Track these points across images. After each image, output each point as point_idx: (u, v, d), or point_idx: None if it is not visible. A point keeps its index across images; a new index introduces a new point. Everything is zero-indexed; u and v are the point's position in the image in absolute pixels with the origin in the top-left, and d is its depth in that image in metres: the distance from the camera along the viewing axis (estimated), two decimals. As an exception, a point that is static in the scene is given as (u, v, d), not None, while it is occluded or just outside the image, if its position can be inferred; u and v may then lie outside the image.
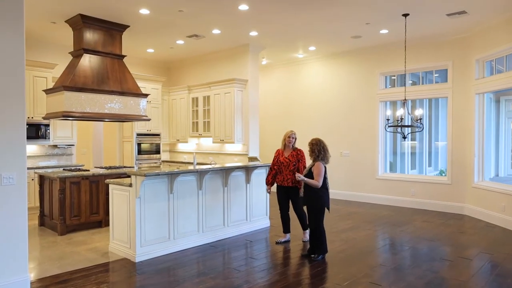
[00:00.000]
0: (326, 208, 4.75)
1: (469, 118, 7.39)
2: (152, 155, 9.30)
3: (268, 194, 6.19)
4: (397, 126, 6.27)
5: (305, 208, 4.93)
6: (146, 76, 9.09)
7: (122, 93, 6.72)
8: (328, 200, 4.77)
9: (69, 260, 4.66)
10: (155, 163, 9.37)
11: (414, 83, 8.89)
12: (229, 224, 5.85)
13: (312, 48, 8.73)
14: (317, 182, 4.61)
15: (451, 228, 6.36)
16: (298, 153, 5.43)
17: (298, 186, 5.31)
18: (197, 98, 9.36)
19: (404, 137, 6.43)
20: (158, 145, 9.42)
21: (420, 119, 6.22)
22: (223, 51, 8.90)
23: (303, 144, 5.62)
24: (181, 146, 10.21)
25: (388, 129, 6.61)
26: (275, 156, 5.48)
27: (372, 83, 8.74)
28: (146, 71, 9.73)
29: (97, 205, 6.26)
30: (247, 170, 6.08)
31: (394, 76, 8.75)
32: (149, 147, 9.25)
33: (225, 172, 5.70)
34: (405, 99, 6.39)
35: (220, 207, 5.72)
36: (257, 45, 8.44)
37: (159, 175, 4.67)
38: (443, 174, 10.32)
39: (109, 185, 5.09)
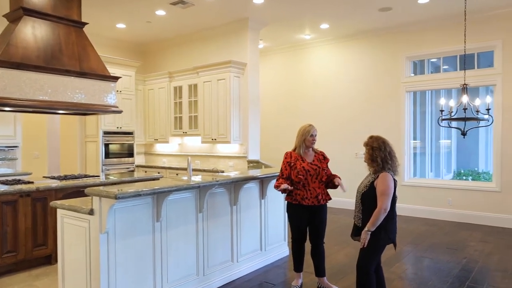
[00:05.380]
0: (392, 244, 3.10)
1: (525, 111, 5.99)
2: (123, 159, 7.39)
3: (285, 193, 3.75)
4: (459, 119, 4.72)
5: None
6: (115, 59, 7.15)
7: (82, 74, 4.81)
8: (395, 232, 3.12)
9: None
10: (128, 168, 7.47)
11: (439, 70, 7.44)
12: (239, 259, 4.09)
13: (324, 26, 7.08)
14: (382, 206, 2.94)
15: (524, 252, 4.89)
16: (325, 157, 3.76)
17: (326, 200, 3.64)
18: (180, 87, 7.51)
19: (464, 134, 4.90)
20: (131, 146, 7.51)
21: (489, 109, 4.71)
22: (216, 28, 7.10)
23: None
24: (160, 148, 8.32)
25: (442, 124, 5.07)
26: (287, 162, 3.70)
27: (396, 69, 7.20)
28: (115, 55, 7.77)
29: (45, 234, 4.34)
30: (262, 181, 4.35)
31: (423, 60, 7.24)
32: (119, 148, 7.33)
33: (234, 185, 3.95)
34: (465, 84, 4.86)
35: (228, 236, 3.96)
36: (258, 20, 6.70)
37: (140, 195, 2.85)
38: (465, 178, 8.98)
39: (58, 210, 3.22)
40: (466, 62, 6.91)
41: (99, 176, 5.41)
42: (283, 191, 3.60)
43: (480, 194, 6.45)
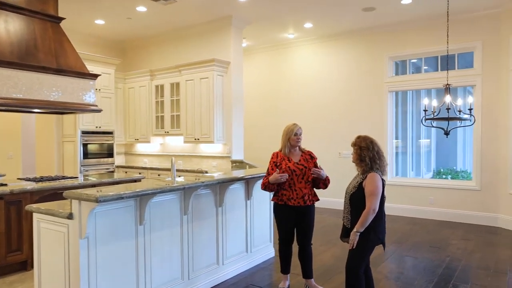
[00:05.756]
0: (382, 245, 3.07)
1: (503, 112, 6.11)
2: (102, 159, 7.17)
3: (283, 178, 3.48)
4: (443, 119, 4.77)
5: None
6: (94, 56, 6.92)
7: (59, 71, 4.60)
8: (384, 232, 3.09)
9: None
10: (107, 169, 7.25)
11: (419, 71, 7.53)
12: (225, 262, 4.00)
13: (308, 25, 7.05)
14: (371, 207, 2.90)
15: (507, 249, 4.97)
16: (312, 156, 3.71)
17: (313, 201, 3.59)
18: (162, 86, 7.34)
19: (447, 134, 4.96)
20: (110, 146, 7.30)
21: (471, 109, 4.77)
22: (199, 26, 6.96)
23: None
24: (141, 148, 8.12)
25: (426, 123, 5.11)
26: (273, 162, 3.63)
27: (379, 69, 7.24)
28: (93, 52, 7.51)
29: (19, 239, 4.13)
30: (248, 182, 4.26)
31: (404, 60, 7.32)
32: (98, 148, 7.11)
33: (220, 186, 3.85)
34: (448, 84, 4.91)
35: (213, 238, 3.86)
36: (241, 18, 6.61)
37: (122, 198, 2.72)
38: (444, 177, 9.14)
39: (33, 214, 3.05)
40: (452, 62, 7.04)
41: (77, 177, 5.21)
42: (275, 184, 3.48)
43: (461, 192, 6.56)
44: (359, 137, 3.23)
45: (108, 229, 2.86)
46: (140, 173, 7.09)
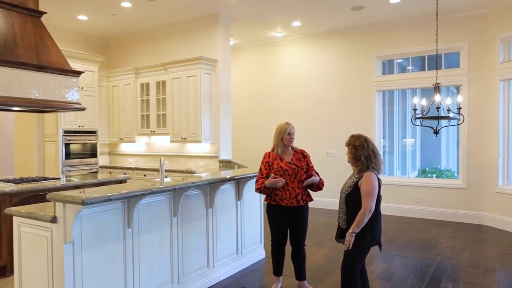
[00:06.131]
0: (378, 246, 3.02)
1: (489, 111, 6.18)
2: (85, 159, 6.95)
3: (279, 183, 3.39)
4: (431, 118, 4.77)
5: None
6: (76, 53, 6.69)
7: (40, 68, 4.40)
8: (380, 233, 3.04)
9: None
10: (90, 169, 7.03)
11: (405, 70, 7.58)
12: (215, 264, 3.89)
13: (296, 23, 7.00)
14: (367, 207, 2.84)
15: (494, 247, 5.01)
16: (305, 155, 3.64)
17: (307, 201, 3.53)
18: (147, 84, 7.17)
19: (436, 132, 4.97)
20: (94, 146, 7.08)
21: (460, 108, 4.79)
22: (186, 23, 6.81)
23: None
24: (125, 147, 7.91)
25: (415, 122, 5.11)
26: (266, 162, 3.53)
27: (367, 69, 7.24)
28: (76, 49, 7.27)
29: (-2, 243, 3.93)
30: (238, 182, 4.16)
31: (400, 59, 7.34)
32: (81, 148, 6.89)
33: (210, 187, 3.74)
34: (437, 83, 4.92)
35: (203, 241, 3.75)
36: (229, 15, 6.50)
37: (110, 199, 2.58)
38: (430, 176, 9.24)
39: (14, 217, 2.88)
40: (433, 62, 7.09)
41: (59, 178, 5.00)
42: (271, 188, 3.39)
43: (448, 191, 6.61)
44: (353, 136, 3.17)
45: (95, 233, 2.72)
46: (125, 174, 6.90)
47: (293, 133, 3.58)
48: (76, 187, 4.60)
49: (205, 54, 6.49)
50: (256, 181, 3.52)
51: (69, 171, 6.68)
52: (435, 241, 5.35)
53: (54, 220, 2.57)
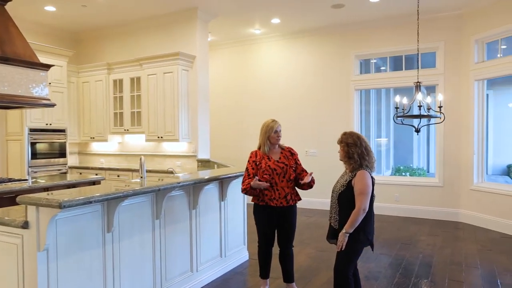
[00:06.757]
0: (370, 246, 2.95)
1: (465, 110, 6.32)
2: (53, 159, 6.54)
3: (262, 186, 3.25)
4: (414, 116, 4.80)
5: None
6: (43, 46, 6.27)
7: (4, 60, 4.06)
8: (373, 232, 2.97)
9: None
10: (59, 170, 6.63)
11: (379, 70, 7.66)
12: (199, 268, 3.70)
13: (275, 20, 6.89)
14: (361, 206, 2.76)
15: (472, 244, 5.10)
16: (293, 153, 3.55)
17: (295, 200, 3.45)
18: (121, 81, 6.84)
19: (417, 131, 5.00)
20: (62, 145, 6.68)
21: (441, 107, 4.84)
22: (162, 17, 6.54)
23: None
24: (96, 147, 7.53)
25: (397, 120, 5.12)
26: (253, 161, 3.38)
27: (346, 67, 7.24)
28: (43, 43, 6.82)
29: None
30: (222, 182, 3.99)
31: (374, 59, 7.40)
32: (48, 148, 6.48)
33: (193, 187, 3.54)
34: (418, 82, 4.95)
35: (187, 243, 3.55)
36: (207, 10, 6.31)
37: (90, 202, 2.35)
38: (404, 174, 9.41)
39: (-22, 223, 2.58)
40: (409, 62, 7.20)
41: (26, 179, 4.65)
42: (255, 189, 3.25)
43: (425, 189, 6.71)
44: (345, 134, 3.09)
45: (72, 239, 2.48)
46: (97, 174, 6.54)
47: (280, 131, 3.46)
48: (46, 189, 4.28)
49: (182, 49, 6.26)
50: (243, 182, 3.36)
51: (35, 172, 6.26)
52: (415, 238, 5.39)
53: (25, 225, 2.32)
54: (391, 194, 6.95)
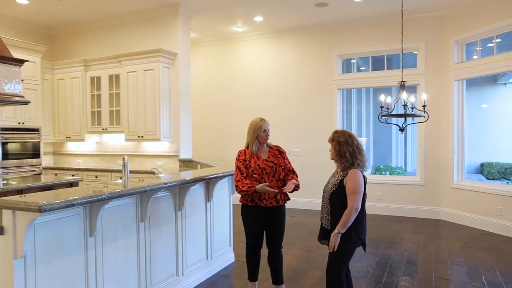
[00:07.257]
0: (362, 246, 2.91)
1: (445, 110, 6.43)
2: (26, 160, 6.24)
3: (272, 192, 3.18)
4: (399, 115, 4.82)
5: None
6: (15, 41, 5.96)
7: (-26, 54, 3.81)
8: (365, 232, 2.93)
9: None
10: (33, 171, 6.33)
11: (360, 70, 7.71)
12: (185, 272, 3.57)
13: (258, 18, 6.81)
14: (353, 206, 2.71)
15: (455, 241, 5.18)
16: (281, 151, 3.48)
17: (285, 200, 3.39)
18: (99, 78, 6.59)
19: (402, 130, 5.03)
20: (36, 145, 6.38)
21: (425, 106, 4.88)
22: (142, 13, 6.34)
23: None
24: (72, 147, 7.24)
25: (382, 119, 5.14)
26: (243, 160, 3.29)
27: (329, 67, 7.24)
28: (16, 38, 6.48)
29: None
30: (208, 182, 3.87)
31: (354, 59, 7.44)
32: (21, 148, 6.17)
33: (179, 188, 3.41)
34: (402, 81, 4.98)
35: (172, 246, 3.42)
36: (189, 7, 6.16)
37: (73, 205, 2.19)
38: (384, 173, 9.54)
39: None
40: (390, 62, 7.27)
41: (-3, 181, 4.37)
42: (257, 192, 3.16)
43: (406, 188, 6.79)
44: (336, 132, 3.04)
45: (51, 245, 2.32)
46: (73, 175, 6.27)
47: (268, 130, 3.39)
48: (19, 191, 4.03)
49: (164, 46, 6.08)
50: (238, 181, 3.23)
51: (7, 174, 5.95)
52: (399, 237, 5.42)
53: (0, 231, 2.14)
54: (373, 193, 6.99)
